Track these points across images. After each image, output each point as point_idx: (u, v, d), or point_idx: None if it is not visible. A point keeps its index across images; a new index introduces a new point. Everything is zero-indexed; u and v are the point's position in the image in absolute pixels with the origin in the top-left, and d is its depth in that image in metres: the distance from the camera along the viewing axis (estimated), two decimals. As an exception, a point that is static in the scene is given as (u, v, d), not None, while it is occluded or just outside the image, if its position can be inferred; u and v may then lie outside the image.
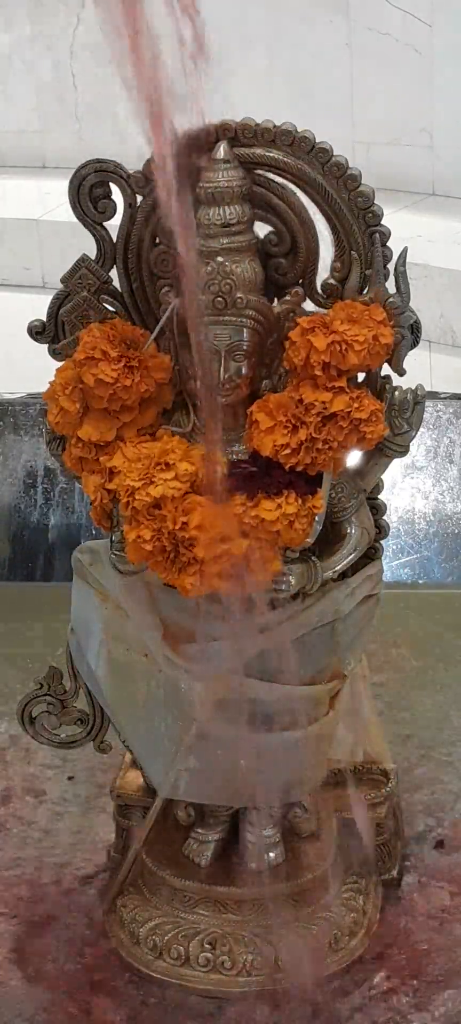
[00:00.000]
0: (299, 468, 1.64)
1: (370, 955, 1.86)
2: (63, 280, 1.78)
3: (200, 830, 1.91)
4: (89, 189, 1.76)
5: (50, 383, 1.74)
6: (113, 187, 1.76)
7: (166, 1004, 1.81)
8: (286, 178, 1.72)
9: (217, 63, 1.53)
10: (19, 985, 1.86)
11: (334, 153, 1.70)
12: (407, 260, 1.70)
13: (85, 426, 1.70)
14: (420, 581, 2.79)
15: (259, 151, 1.71)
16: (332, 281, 1.75)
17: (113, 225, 1.77)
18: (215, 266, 1.67)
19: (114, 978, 1.86)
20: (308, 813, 1.91)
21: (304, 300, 1.74)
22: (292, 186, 1.72)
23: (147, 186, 1.73)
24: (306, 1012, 1.78)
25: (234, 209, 1.68)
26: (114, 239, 1.77)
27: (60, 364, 1.76)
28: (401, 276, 1.71)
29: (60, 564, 2.85)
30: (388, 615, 2.46)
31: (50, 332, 1.79)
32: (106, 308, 1.78)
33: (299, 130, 1.70)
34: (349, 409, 1.63)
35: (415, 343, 1.74)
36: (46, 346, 1.80)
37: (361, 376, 1.72)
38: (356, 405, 1.63)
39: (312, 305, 1.76)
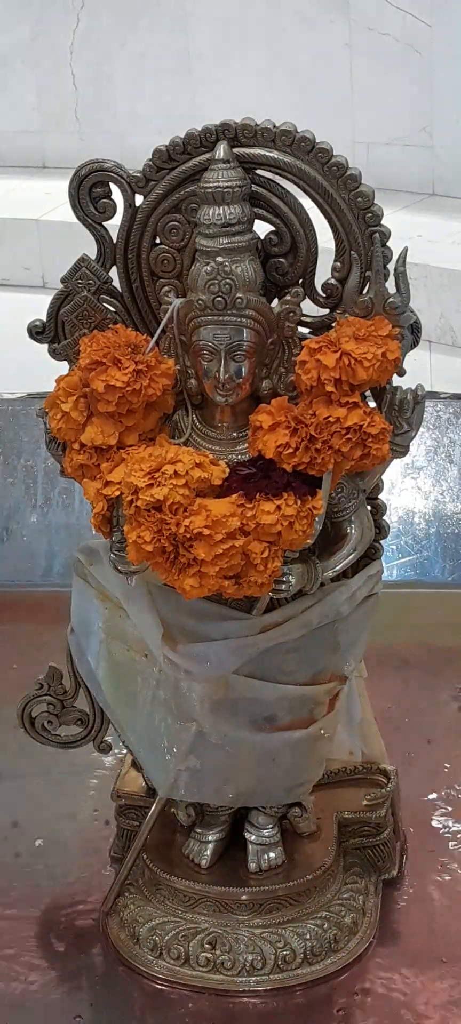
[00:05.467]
0: (299, 467, 1.64)
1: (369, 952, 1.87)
2: (63, 280, 1.78)
3: (200, 830, 1.91)
4: (89, 189, 1.76)
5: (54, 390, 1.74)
6: (113, 187, 1.76)
7: (166, 1004, 1.81)
8: (286, 178, 1.72)
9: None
10: (17, 983, 1.86)
11: (334, 153, 1.70)
12: (407, 260, 1.70)
13: (88, 430, 1.69)
14: (420, 581, 2.79)
15: (259, 151, 1.71)
16: (332, 281, 1.75)
17: (113, 225, 1.77)
18: (215, 266, 1.67)
19: (114, 978, 1.86)
20: (308, 813, 1.91)
21: (304, 300, 1.74)
22: (292, 186, 1.73)
23: (147, 186, 1.73)
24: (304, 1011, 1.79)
25: (234, 209, 1.68)
26: (114, 239, 1.77)
27: (61, 371, 1.76)
28: (401, 276, 1.71)
29: (60, 564, 2.85)
30: (388, 615, 2.45)
31: (50, 332, 1.80)
32: (106, 308, 1.78)
33: (299, 130, 1.70)
34: (362, 423, 1.63)
35: (415, 343, 1.74)
36: (46, 346, 1.80)
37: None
38: (368, 420, 1.64)
39: (312, 305, 1.76)
